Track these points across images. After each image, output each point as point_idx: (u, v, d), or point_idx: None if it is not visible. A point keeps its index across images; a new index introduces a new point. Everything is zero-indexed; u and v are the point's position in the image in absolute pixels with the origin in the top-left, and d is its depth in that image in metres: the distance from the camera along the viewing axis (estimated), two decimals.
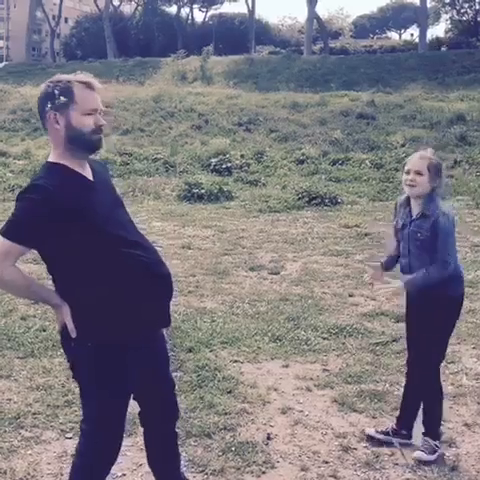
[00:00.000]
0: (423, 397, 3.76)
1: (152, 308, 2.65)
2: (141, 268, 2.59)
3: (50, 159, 2.62)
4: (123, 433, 2.79)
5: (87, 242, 2.50)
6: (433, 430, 3.73)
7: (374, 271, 3.86)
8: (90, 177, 2.64)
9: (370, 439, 3.83)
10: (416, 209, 3.64)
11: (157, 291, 2.66)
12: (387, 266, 3.87)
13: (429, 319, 3.61)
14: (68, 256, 2.53)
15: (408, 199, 3.71)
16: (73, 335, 2.57)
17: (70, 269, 2.56)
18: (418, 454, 3.64)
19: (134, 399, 2.90)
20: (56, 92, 2.53)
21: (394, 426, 3.84)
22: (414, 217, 3.64)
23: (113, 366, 2.60)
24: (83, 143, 2.56)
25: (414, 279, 3.56)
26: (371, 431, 3.87)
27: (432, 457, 3.62)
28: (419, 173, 3.55)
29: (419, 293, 3.57)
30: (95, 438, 2.70)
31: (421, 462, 3.61)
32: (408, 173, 3.61)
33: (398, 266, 3.80)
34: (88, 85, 2.57)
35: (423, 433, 3.73)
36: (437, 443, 3.69)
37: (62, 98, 2.52)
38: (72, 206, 2.46)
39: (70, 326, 2.57)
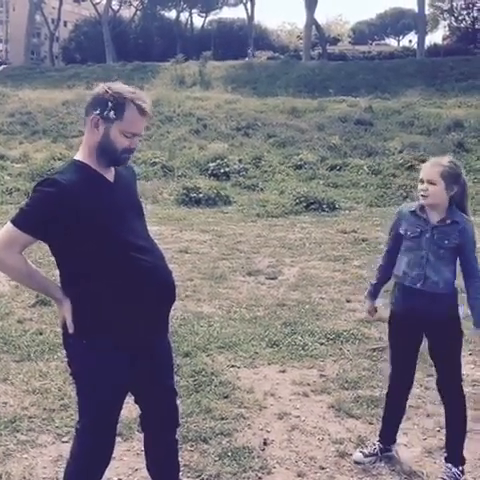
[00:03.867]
0: (457, 421, 3.52)
1: (149, 314, 2.66)
2: (143, 273, 2.61)
3: (76, 156, 2.67)
4: (115, 434, 2.79)
5: (93, 241, 2.54)
6: (459, 454, 3.49)
7: (369, 308, 3.84)
8: (111, 179, 2.68)
9: (358, 464, 3.65)
10: (435, 216, 3.41)
11: (156, 298, 2.67)
12: (376, 296, 3.76)
13: (452, 341, 3.46)
14: (73, 252, 2.57)
15: (422, 206, 3.46)
16: (70, 331, 2.61)
17: (74, 265, 2.60)
18: None
19: (135, 403, 2.93)
20: (109, 104, 2.54)
21: (380, 445, 3.71)
22: (436, 223, 3.39)
23: (106, 366, 2.61)
24: (110, 157, 2.61)
25: None
26: (358, 457, 3.68)
27: None
28: (432, 182, 3.34)
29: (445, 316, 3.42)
30: (87, 437, 2.71)
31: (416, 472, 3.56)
32: (422, 182, 3.39)
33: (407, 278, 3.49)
34: (141, 110, 2.57)
35: (446, 459, 3.53)
36: (461, 469, 3.48)
37: (111, 113, 2.54)
38: (83, 204, 2.50)
39: (68, 321, 2.61)
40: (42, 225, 2.50)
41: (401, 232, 3.51)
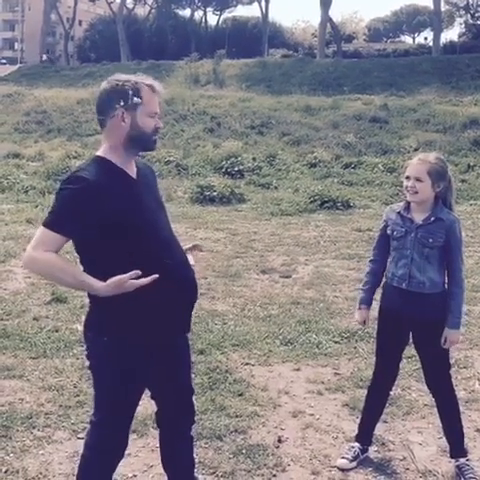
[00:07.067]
0: (452, 417, 3.54)
1: (171, 313, 2.67)
2: (165, 271, 2.58)
3: (98, 153, 2.69)
4: (128, 429, 2.81)
5: (117, 238, 2.54)
6: (463, 445, 3.53)
7: (364, 317, 3.66)
8: (134, 175, 2.70)
9: (344, 471, 3.54)
10: (420, 215, 3.39)
11: (177, 296, 2.67)
12: (370, 302, 3.64)
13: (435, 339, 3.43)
14: (97, 249, 2.58)
15: (407, 205, 3.45)
16: (136, 282, 2.47)
17: (96, 262, 2.60)
18: None
19: (152, 399, 2.94)
20: (130, 92, 2.59)
21: (359, 447, 3.67)
22: (421, 222, 3.37)
23: (125, 363, 2.62)
24: (143, 142, 2.67)
25: (458, 316, 3.35)
26: (343, 463, 3.58)
27: None
28: (419, 179, 3.30)
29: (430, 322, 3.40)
30: (101, 430, 2.74)
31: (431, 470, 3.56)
32: (408, 179, 3.35)
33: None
34: (152, 88, 2.64)
35: (453, 455, 3.54)
36: (467, 459, 3.54)
37: (135, 99, 2.59)
38: (108, 198, 2.51)
39: (128, 275, 2.46)
40: (71, 222, 2.50)
41: (388, 232, 3.50)
